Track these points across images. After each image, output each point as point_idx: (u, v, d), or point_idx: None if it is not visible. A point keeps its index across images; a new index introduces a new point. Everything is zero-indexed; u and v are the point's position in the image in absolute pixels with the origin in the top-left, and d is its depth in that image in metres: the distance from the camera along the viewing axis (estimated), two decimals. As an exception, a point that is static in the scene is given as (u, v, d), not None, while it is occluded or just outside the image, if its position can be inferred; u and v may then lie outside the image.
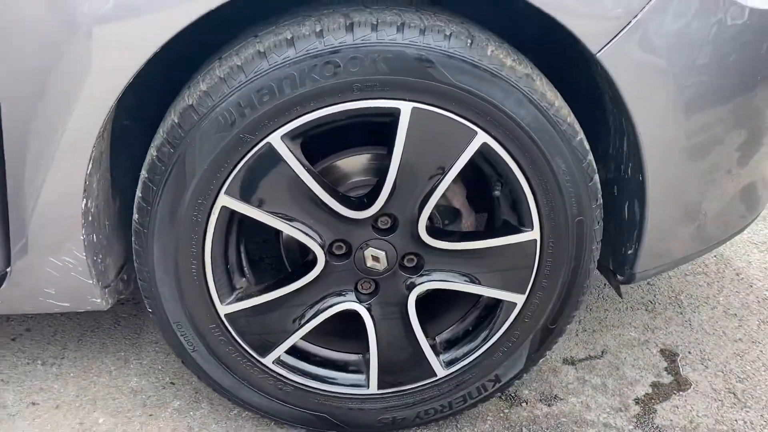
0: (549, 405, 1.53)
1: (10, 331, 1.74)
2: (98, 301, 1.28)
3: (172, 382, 1.58)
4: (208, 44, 1.24)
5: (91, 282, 1.24)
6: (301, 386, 1.35)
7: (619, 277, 1.42)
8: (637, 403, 1.54)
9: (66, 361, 1.64)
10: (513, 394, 1.55)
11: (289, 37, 1.07)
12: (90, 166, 1.12)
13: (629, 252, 1.36)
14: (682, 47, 1.13)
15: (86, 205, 1.17)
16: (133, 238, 1.21)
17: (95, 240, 1.24)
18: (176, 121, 1.11)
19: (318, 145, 1.25)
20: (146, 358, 1.66)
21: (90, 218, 1.20)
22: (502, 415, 1.50)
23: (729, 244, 2.09)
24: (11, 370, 1.61)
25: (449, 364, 1.37)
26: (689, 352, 1.69)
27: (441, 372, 1.36)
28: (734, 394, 1.56)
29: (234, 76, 1.08)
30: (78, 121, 1.08)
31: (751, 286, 1.95)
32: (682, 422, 1.48)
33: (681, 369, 1.64)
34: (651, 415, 1.50)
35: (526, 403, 1.53)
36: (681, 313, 1.84)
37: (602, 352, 1.69)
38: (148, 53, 1.06)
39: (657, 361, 1.66)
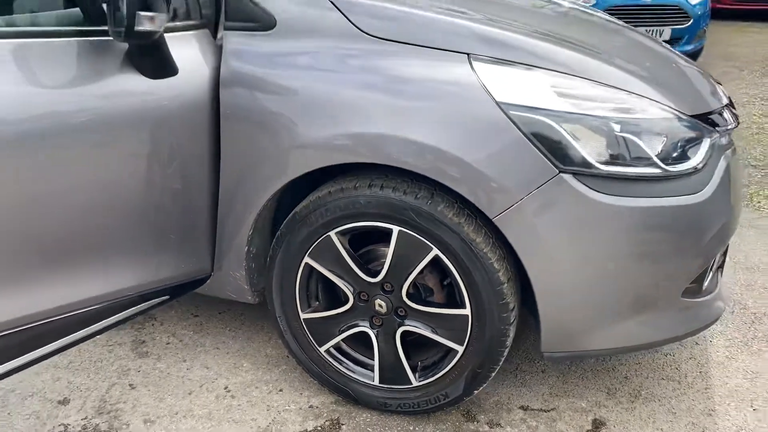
0: (491, 427, 2.35)
1: (219, 308, 3.08)
2: (250, 298, 2.49)
3: (287, 356, 2.74)
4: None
5: (246, 287, 2.46)
6: (339, 369, 2.40)
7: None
8: (549, 442, 2.29)
9: (241, 330, 2.91)
10: (473, 415, 2.40)
11: (342, 187, 2.16)
12: (251, 232, 2.33)
13: (540, 334, 2.16)
14: (548, 225, 1.97)
15: (249, 250, 2.38)
16: (266, 270, 2.40)
17: (253, 267, 2.46)
18: (288, 218, 2.28)
19: (365, 238, 2.33)
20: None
21: (251, 256, 2.42)
22: (457, 424, 2.37)
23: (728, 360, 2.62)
24: (211, 327, 2.92)
25: (421, 378, 2.30)
26: (614, 426, 2.36)
27: (414, 382, 2.31)
28: (623, 458, 2.22)
29: (316, 202, 2.20)
30: (246, 208, 2.29)
31: (710, 399, 2.49)
32: (572, 462, 2.20)
33: (598, 433, 2.33)
34: (553, 452, 2.25)
35: (477, 422, 2.37)
36: (632, 401, 2.48)
37: (551, 409, 2.44)
38: (280, 184, 2.22)
39: (586, 424, 2.36)
